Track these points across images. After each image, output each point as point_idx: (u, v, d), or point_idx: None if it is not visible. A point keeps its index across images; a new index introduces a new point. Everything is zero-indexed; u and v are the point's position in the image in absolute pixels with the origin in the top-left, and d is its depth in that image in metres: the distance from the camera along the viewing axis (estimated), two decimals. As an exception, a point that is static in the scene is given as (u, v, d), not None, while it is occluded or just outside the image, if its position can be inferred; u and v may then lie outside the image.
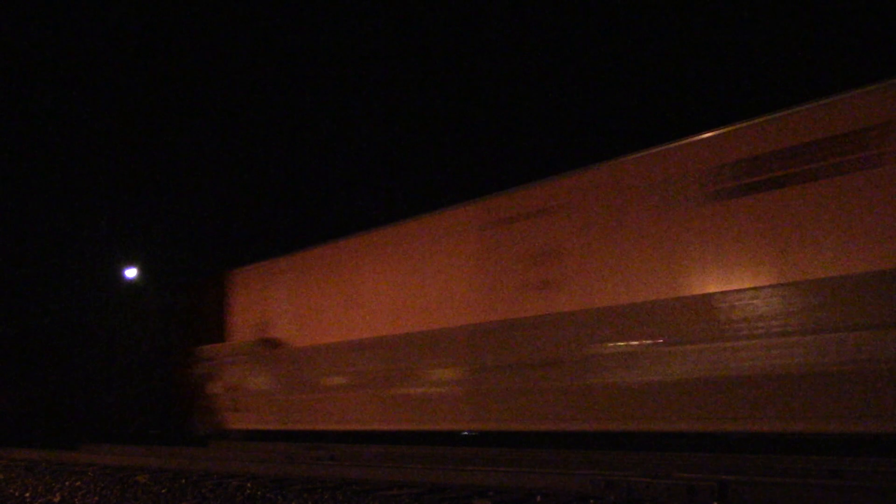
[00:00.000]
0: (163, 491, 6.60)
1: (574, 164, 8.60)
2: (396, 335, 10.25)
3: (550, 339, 8.27)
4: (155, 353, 15.74)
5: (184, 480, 7.40)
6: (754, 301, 6.78)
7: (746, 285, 6.86)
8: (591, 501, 5.25)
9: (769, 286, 6.71)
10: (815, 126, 6.67)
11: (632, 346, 7.60)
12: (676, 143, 7.71)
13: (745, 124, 7.20)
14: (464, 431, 10.40)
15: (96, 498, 6.44)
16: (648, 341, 7.49)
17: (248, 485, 6.78)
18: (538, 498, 5.51)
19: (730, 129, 7.32)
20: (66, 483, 7.47)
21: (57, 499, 6.50)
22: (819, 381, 6.31)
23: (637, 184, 7.88)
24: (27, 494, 6.82)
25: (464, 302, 9.37)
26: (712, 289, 7.10)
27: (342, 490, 6.26)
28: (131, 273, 20.26)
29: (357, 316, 10.99)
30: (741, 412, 6.79)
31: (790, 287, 6.59)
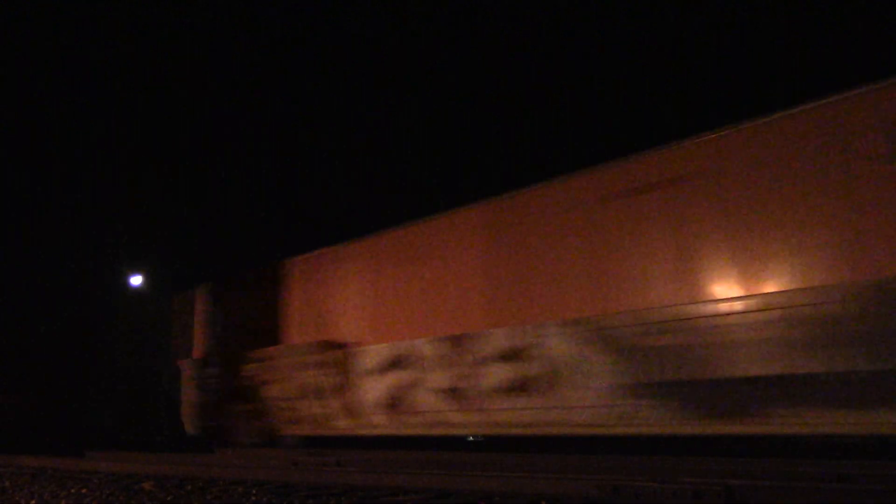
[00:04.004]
0: (168, 498, 6.59)
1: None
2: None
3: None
4: (158, 361, 15.76)
5: (189, 487, 7.39)
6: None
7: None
8: (597, 506, 5.22)
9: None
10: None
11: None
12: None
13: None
14: (469, 437, 10.35)
15: (102, 505, 6.44)
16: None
17: (254, 491, 6.77)
18: (543, 503, 5.49)
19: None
20: (72, 490, 7.47)
21: (62, 506, 6.50)
22: None
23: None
24: (32, 502, 6.82)
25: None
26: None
27: (348, 496, 6.24)
28: (136, 280, 20.32)
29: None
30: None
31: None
